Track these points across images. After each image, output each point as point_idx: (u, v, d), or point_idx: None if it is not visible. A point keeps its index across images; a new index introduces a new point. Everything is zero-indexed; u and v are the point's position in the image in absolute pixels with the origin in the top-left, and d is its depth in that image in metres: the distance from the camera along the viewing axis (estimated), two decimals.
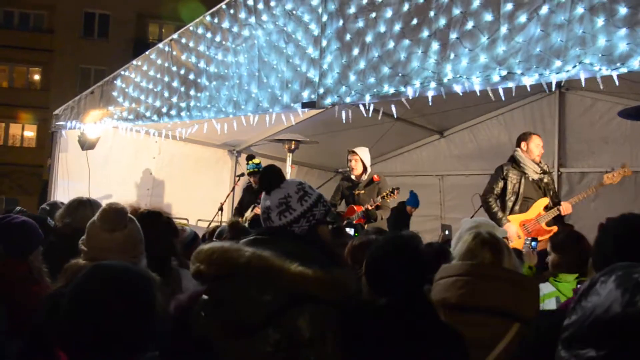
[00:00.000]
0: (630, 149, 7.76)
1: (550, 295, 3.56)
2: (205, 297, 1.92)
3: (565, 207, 5.69)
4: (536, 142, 5.93)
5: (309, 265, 1.90)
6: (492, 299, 2.42)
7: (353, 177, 6.80)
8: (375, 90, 4.83)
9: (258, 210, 7.34)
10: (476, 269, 2.52)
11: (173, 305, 2.03)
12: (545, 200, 5.80)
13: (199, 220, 8.22)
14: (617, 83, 3.76)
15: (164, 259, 3.00)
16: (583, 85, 3.99)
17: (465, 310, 2.40)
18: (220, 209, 7.94)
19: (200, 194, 8.75)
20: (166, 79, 6.73)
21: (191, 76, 6.47)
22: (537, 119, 8.54)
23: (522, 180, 5.94)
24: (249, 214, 7.75)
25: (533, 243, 4.31)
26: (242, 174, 8.29)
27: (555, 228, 5.69)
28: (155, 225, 3.05)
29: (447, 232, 7.40)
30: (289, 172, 8.00)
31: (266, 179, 2.31)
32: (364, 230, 4.76)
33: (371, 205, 6.41)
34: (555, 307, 3.42)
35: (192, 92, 6.42)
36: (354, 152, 6.73)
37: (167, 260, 3.04)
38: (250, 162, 7.93)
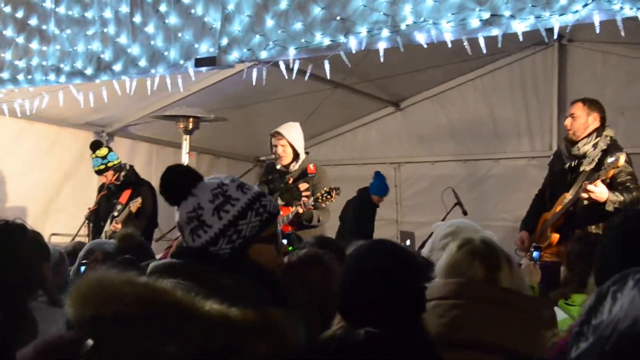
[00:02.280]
0: None
1: (562, 324, 3.60)
2: (90, 342, 1.94)
3: (592, 190, 5.25)
4: (569, 111, 5.82)
5: (234, 302, 1.89)
6: (487, 330, 2.47)
7: (279, 166, 6.52)
8: (303, 40, 4.75)
9: (116, 226, 7.04)
10: (464, 290, 2.56)
11: None
12: (564, 197, 5.71)
13: (53, 234, 7.98)
14: None
15: (24, 293, 2.97)
16: (597, 31, 3.92)
17: (449, 347, 2.42)
18: (88, 218, 7.68)
19: (55, 197, 8.49)
20: None
21: (33, 21, 6.20)
22: (529, 82, 8.71)
23: (561, 167, 5.84)
24: (107, 227, 7.45)
25: (535, 253, 4.28)
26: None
27: (553, 236, 5.64)
28: (18, 243, 3.01)
29: (408, 243, 7.37)
30: (185, 162, 7.75)
31: (167, 186, 2.24)
32: (302, 242, 4.55)
33: (302, 208, 6.16)
34: None
35: (34, 45, 6.16)
36: (279, 134, 6.42)
37: (28, 295, 3.03)
38: (93, 154, 7.56)
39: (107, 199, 7.60)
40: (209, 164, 9.86)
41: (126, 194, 7.40)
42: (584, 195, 5.30)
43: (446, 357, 2.35)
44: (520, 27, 4.07)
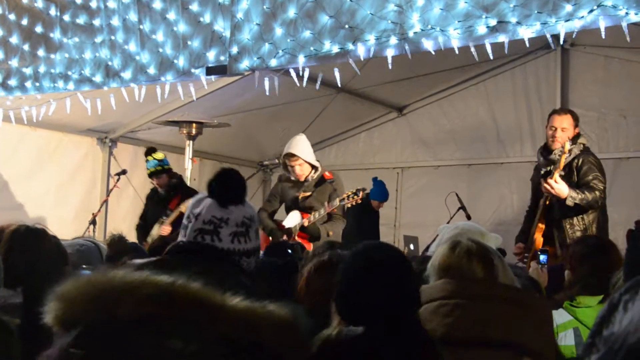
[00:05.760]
0: None
1: (567, 325, 3.64)
2: (74, 351, 1.81)
3: (552, 185, 5.61)
4: (551, 122, 6.01)
5: (252, 298, 1.88)
6: (492, 327, 2.51)
7: (294, 177, 6.68)
8: (312, 48, 4.78)
9: (166, 230, 7.12)
10: (466, 289, 2.60)
11: None
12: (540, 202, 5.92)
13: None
14: None
15: (44, 298, 2.92)
16: (603, 37, 3.99)
17: (456, 345, 2.46)
18: (93, 222, 7.69)
19: (58, 203, 8.51)
20: None
21: (38, 28, 6.23)
22: (531, 86, 8.72)
23: (539, 176, 6.10)
24: (155, 231, 7.51)
25: (542, 257, 4.34)
26: (124, 172, 7.98)
27: (538, 239, 5.80)
28: (39, 248, 3.08)
29: (412, 247, 7.38)
30: (189, 167, 7.82)
31: (233, 187, 2.39)
32: (307, 251, 4.63)
33: (307, 221, 6.39)
34: (573, 341, 3.49)
35: (41, 53, 6.19)
36: (292, 155, 6.52)
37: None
38: (150, 157, 7.67)
39: (155, 204, 7.69)
40: (212, 170, 9.60)
41: (176, 200, 7.48)
42: (545, 188, 5.62)
43: (454, 356, 2.40)
44: (526, 33, 4.11)
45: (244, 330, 1.82)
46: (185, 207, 7.42)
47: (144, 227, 7.78)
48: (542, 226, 5.87)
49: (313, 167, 6.65)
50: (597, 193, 5.65)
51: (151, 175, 7.64)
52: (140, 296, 1.81)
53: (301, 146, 6.59)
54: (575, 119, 5.97)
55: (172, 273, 1.89)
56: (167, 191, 7.61)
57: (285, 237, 6.47)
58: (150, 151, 7.73)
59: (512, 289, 2.68)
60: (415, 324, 2.36)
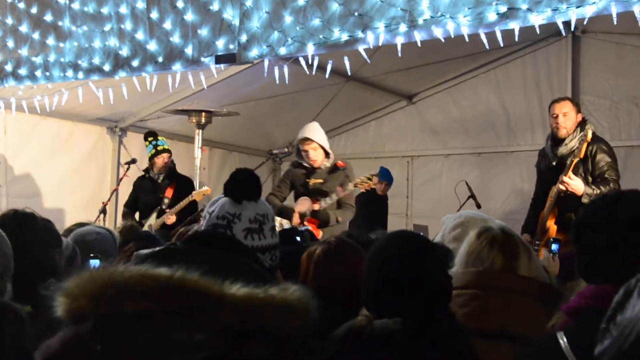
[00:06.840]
0: None
1: None
2: (98, 346, 1.84)
3: (568, 183, 5.60)
4: (552, 111, 6.01)
5: (255, 284, 1.89)
6: (507, 319, 2.51)
7: (306, 164, 6.69)
8: (321, 36, 4.76)
9: (171, 219, 7.11)
10: (483, 279, 2.60)
11: (41, 354, 1.92)
12: (553, 190, 5.87)
13: (66, 230, 7.91)
14: None
15: (35, 280, 2.94)
16: (615, 23, 3.94)
17: (471, 336, 2.44)
18: (103, 211, 7.72)
19: (68, 192, 8.54)
20: (9, 20, 6.45)
21: (47, 17, 6.23)
22: (542, 74, 8.66)
23: (547, 165, 6.10)
24: (153, 221, 7.49)
25: (554, 245, 4.33)
26: (133, 161, 8.00)
27: (552, 227, 5.78)
28: (28, 231, 3.06)
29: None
30: (198, 156, 7.82)
31: (247, 183, 2.48)
32: (315, 239, 4.62)
33: (318, 205, 6.40)
34: None
35: (50, 41, 6.19)
36: (308, 139, 6.54)
37: (39, 282, 2.95)
38: (159, 138, 7.73)
39: (149, 192, 7.68)
40: (222, 158, 9.87)
41: (171, 188, 7.50)
42: (562, 187, 5.58)
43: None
44: (537, 19, 4.06)
45: (246, 317, 1.84)
46: (199, 196, 7.40)
47: (130, 215, 7.76)
48: (555, 214, 5.84)
49: (326, 153, 6.66)
50: (612, 185, 5.65)
51: (159, 153, 7.60)
52: (139, 291, 1.84)
53: (316, 131, 6.64)
54: (576, 104, 5.99)
55: (174, 263, 1.92)
56: (164, 177, 7.60)
57: (296, 218, 6.51)
58: (152, 134, 7.75)
59: (532, 281, 2.66)
60: (449, 315, 2.35)
